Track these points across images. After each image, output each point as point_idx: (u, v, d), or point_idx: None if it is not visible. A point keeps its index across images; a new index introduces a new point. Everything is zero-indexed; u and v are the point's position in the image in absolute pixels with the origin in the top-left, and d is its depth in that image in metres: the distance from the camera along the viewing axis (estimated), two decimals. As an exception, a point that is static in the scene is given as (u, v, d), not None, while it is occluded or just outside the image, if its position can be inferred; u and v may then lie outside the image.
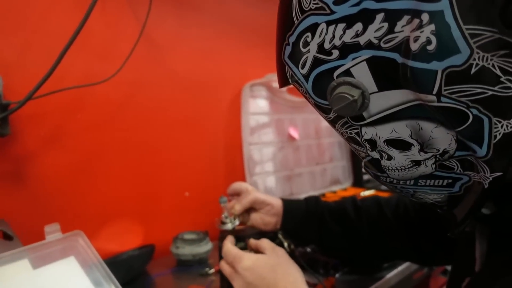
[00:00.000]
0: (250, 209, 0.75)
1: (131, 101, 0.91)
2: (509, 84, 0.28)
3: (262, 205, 0.74)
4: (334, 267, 0.82)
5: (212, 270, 0.83)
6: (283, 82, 0.39)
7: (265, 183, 1.18)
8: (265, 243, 0.62)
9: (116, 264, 0.77)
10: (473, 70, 0.28)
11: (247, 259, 0.58)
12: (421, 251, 0.68)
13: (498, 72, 0.28)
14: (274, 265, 0.57)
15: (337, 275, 0.80)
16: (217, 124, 1.11)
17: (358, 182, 1.45)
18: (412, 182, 0.38)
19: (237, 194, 0.77)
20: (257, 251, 0.63)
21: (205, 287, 0.65)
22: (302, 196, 1.24)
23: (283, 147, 1.23)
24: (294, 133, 1.25)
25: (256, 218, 0.75)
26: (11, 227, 0.65)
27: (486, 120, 0.30)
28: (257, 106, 1.16)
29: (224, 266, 0.61)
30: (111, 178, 0.88)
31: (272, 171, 1.20)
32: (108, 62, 0.84)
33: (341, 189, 1.38)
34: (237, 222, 0.71)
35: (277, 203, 0.75)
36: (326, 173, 1.38)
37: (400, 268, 0.84)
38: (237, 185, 0.76)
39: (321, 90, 0.36)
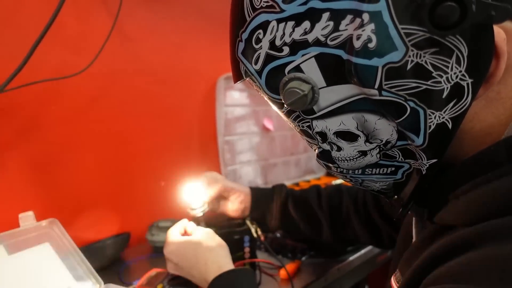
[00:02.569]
0: (219, 197, 0.79)
1: (105, 93, 0.93)
2: (439, 79, 0.30)
3: (230, 193, 0.78)
4: (301, 251, 0.87)
5: (186, 256, 0.87)
6: (237, 77, 0.40)
7: (240, 173, 1.22)
8: (191, 226, 0.70)
9: (91, 251, 0.80)
10: (408, 66, 0.30)
11: (171, 244, 0.66)
12: (380, 235, 0.73)
13: (430, 68, 0.30)
14: (195, 244, 0.64)
15: (303, 258, 0.85)
16: (192, 116, 1.13)
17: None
18: (360, 171, 0.41)
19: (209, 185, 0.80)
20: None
21: (165, 269, 0.69)
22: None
23: (258, 138, 1.27)
24: (269, 124, 1.29)
25: (225, 206, 0.79)
26: (-14, 216, 0.68)
27: (421, 112, 0.32)
28: (232, 98, 1.19)
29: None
30: (87, 168, 0.90)
31: (247, 162, 1.24)
32: (81, 54, 0.85)
33: (315, 178, 1.43)
34: (206, 208, 0.75)
35: (245, 191, 0.79)
36: (300, 163, 1.43)
37: (363, 251, 0.90)
38: (209, 174, 0.80)
39: (273, 85, 0.37)
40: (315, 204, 0.77)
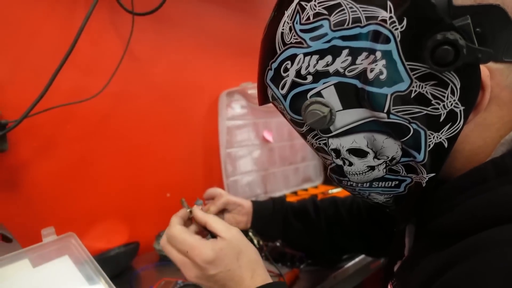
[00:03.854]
0: (223, 211, 0.85)
1: (115, 112, 0.99)
2: (437, 106, 0.37)
3: (233, 206, 0.84)
4: (299, 259, 0.93)
5: (192, 264, 0.93)
6: (264, 100, 0.47)
7: (242, 183, 1.28)
8: (216, 223, 0.56)
9: (105, 260, 0.86)
10: (412, 95, 0.37)
11: (208, 249, 0.52)
12: (372, 244, 0.80)
13: (430, 96, 0.36)
14: (237, 253, 0.53)
15: (301, 266, 0.91)
16: (195, 130, 1.20)
17: (328, 180, 1.55)
18: (368, 184, 0.46)
19: (212, 198, 0.86)
20: (205, 228, 0.58)
21: (175, 279, 0.74)
22: (276, 194, 1.35)
23: (258, 150, 1.33)
24: (268, 136, 1.35)
25: (229, 218, 0.85)
26: (9, 231, 0.73)
27: (422, 132, 0.38)
28: (233, 112, 1.25)
29: (173, 252, 0.55)
30: (99, 182, 0.96)
31: (247, 172, 1.30)
32: (95, 77, 0.91)
33: (313, 187, 1.50)
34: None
35: (247, 204, 0.85)
36: (299, 172, 1.49)
37: (357, 259, 0.96)
38: (212, 190, 0.86)
39: (296, 107, 0.43)
40: (313, 215, 0.83)
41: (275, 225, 0.84)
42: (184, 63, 1.13)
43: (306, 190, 1.45)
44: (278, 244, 0.99)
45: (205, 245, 0.52)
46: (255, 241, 0.81)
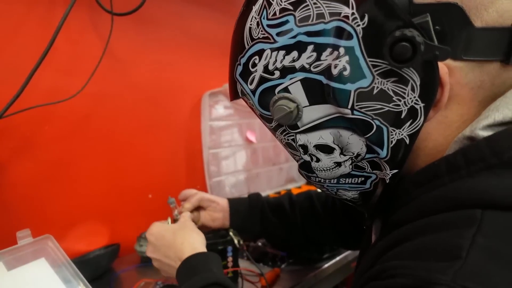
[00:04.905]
0: (199, 208, 0.85)
1: (95, 112, 0.97)
2: (398, 103, 0.37)
3: (208, 203, 0.84)
4: (281, 259, 0.94)
5: (173, 265, 0.93)
6: (234, 96, 0.47)
7: (225, 184, 1.28)
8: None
9: (84, 263, 0.85)
10: (375, 91, 0.37)
11: (153, 226, 0.71)
12: (347, 237, 0.81)
13: (391, 93, 0.37)
14: (175, 229, 0.70)
15: (282, 266, 0.92)
16: (178, 131, 1.19)
17: (311, 180, 1.57)
18: (335, 181, 0.47)
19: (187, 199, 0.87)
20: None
21: (155, 280, 0.74)
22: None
23: (241, 150, 1.34)
24: (252, 137, 1.36)
25: (205, 216, 0.85)
26: (-16, 233, 0.72)
27: (385, 129, 0.39)
28: (216, 113, 1.25)
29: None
30: (78, 184, 0.95)
31: (231, 173, 1.30)
32: (73, 77, 0.90)
33: (296, 187, 1.50)
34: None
35: (222, 201, 0.85)
36: (282, 172, 1.50)
37: (338, 258, 0.97)
38: (186, 191, 0.86)
39: (265, 103, 0.44)
40: (289, 209, 0.84)
41: (253, 220, 0.85)
42: (166, 64, 1.12)
43: (289, 190, 1.45)
44: (260, 244, 1.00)
45: (155, 224, 0.72)
46: (236, 241, 0.82)
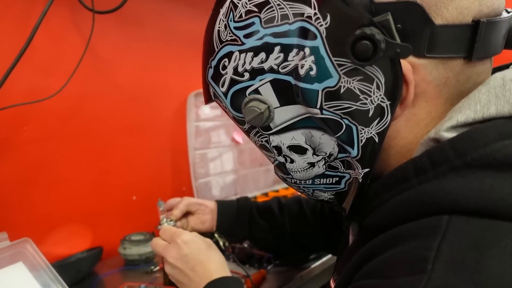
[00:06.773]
0: (187, 215, 0.84)
1: (77, 113, 0.95)
2: (365, 101, 0.37)
3: (196, 206, 0.83)
4: (267, 260, 0.93)
5: (157, 268, 0.91)
6: (208, 99, 0.48)
7: (211, 185, 1.26)
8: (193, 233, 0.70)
9: (65, 266, 0.83)
10: (342, 90, 0.37)
11: (187, 234, 0.67)
12: (334, 242, 0.80)
13: (358, 92, 0.37)
14: (209, 245, 0.67)
15: (268, 267, 0.91)
16: (163, 132, 1.17)
17: (299, 181, 1.56)
18: (310, 181, 0.47)
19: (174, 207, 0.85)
20: None
21: (139, 283, 0.72)
22: (247, 195, 1.35)
23: (228, 151, 1.32)
24: (238, 137, 1.35)
25: (194, 220, 0.84)
26: (-41, 237, 0.69)
27: (354, 128, 0.39)
28: (202, 113, 1.24)
29: (158, 241, 0.68)
30: (59, 186, 0.93)
31: (217, 174, 1.29)
32: (53, 76, 0.88)
33: (283, 188, 1.50)
34: (175, 223, 0.80)
35: (210, 204, 0.85)
36: (269, 173, 1.49)
37: (324, 259, 0.96)
38: (172, 200, 0.85)
39: (237, 105, 0.44)
40: (278, 213, 0.84)
41: (241, 223, 0.84)
42: (150, 64, 1.11)
43: (277, 191, 1.45)
44: (246, 245, 0.99)
45: (186, 231, 0.68)
46: (221, 243, 0.81)
